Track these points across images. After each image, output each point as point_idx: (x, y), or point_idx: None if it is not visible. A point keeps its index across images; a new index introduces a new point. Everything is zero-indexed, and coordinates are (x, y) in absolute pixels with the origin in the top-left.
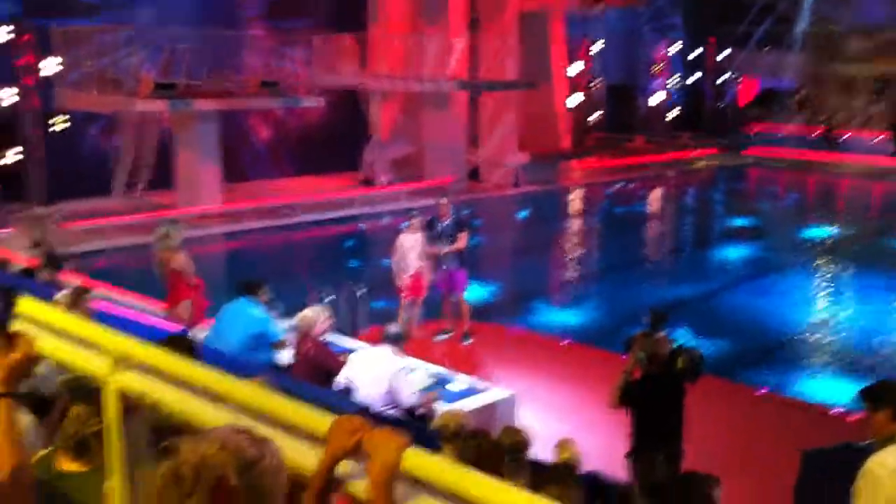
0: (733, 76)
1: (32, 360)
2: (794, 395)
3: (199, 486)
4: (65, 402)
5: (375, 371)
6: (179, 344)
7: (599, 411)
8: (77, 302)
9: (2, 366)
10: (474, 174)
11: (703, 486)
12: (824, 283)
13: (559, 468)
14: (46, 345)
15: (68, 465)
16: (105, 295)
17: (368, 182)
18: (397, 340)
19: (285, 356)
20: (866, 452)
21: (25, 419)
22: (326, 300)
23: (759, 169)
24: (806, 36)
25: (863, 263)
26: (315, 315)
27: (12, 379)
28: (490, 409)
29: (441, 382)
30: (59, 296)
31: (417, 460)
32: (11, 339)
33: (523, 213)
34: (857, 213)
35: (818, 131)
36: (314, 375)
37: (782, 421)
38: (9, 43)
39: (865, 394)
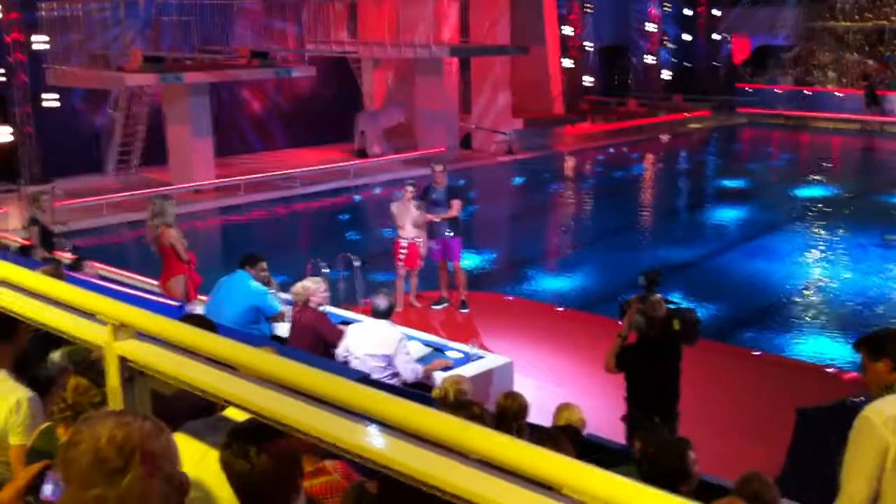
0: (725, 35)
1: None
2: (790, 356)
3: (129, 462)
4: (66, 374)
5: (372, 343)
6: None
7: (596, 376)
8: (58, 276)
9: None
10: (467, 141)
11: (676, 449)
12: (819, 243)
13: (556, 431)
14: (41, 314)
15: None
16: (100, 272)
17: (362, 152)
18: (387, 314)
19: (283, 329)
20: (861, 408)
21: (28, 394)
22: (323, 271)
23: (752, 128)
24: None
25: (857, 222)
26: (313, 285)
27: (27, 490)
28: (487, 375)
29: (438, 350)
30: (40, 269)
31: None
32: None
33: (517, 180)
34: (849, 171)
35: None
36: (313, 345)
37: (778, 381)
38: None
39: (864, 342)
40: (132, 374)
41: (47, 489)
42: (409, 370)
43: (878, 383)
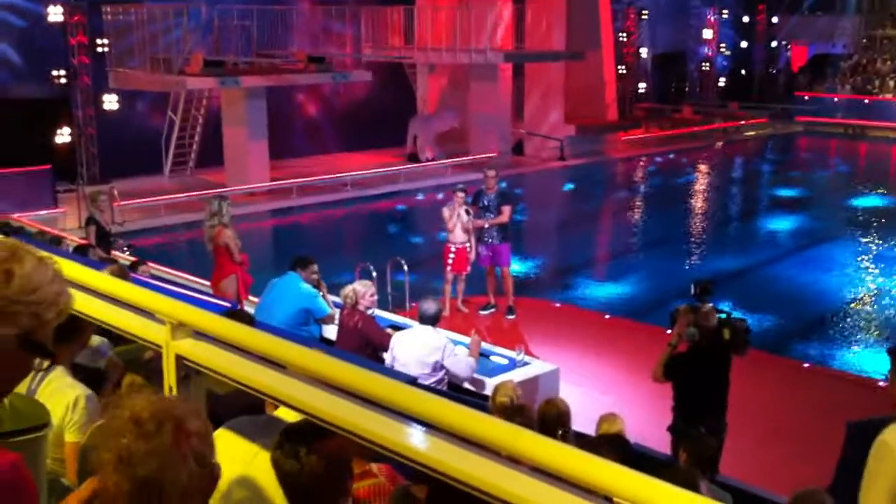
0: (783, 42)
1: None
2: (841, 368)
3: (162, 428)
4: (119, 372)
5: (418, 350)
6: (239, 318)
7: (643, 385)
8: (122, 276)
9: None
10: (519, 147)
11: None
12: (874, 254)
13: (599, 439)
14: (104, 313)
15: None
16: (155, 272)
17: (414, 157)
18: (434, 320)
19: (332, 331)
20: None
21: (86, 392)
22: (373, 275)
23: (809, 137)
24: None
25: None
26: (363, 289)
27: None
28: (533, 382)
29: (485, 356)
30: (106, 269)
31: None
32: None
33: (568, 187)
34: None
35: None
36: (361, 348)
37: (830, 394)
38: (61, 23)
39: (892, 351)
40: (188, 372)
41: None
42: (464, 367)
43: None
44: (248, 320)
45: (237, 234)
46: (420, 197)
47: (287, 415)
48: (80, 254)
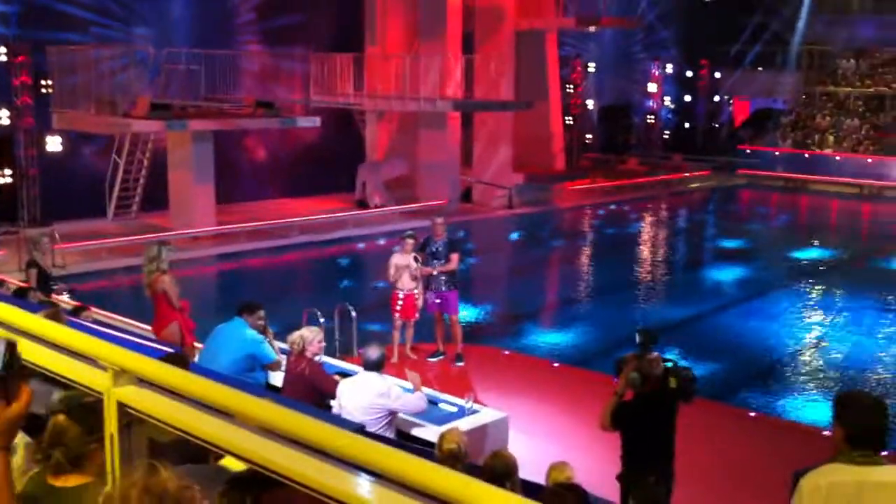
0: (726, 97)
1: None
2: (787, 417)
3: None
4: (58, 418)
5: (364, 398)
6: (176, 362)
7: (591, 433)
8: (57, 320)
9: (1, 418)
10: (467, 195)
11: None
12: (815, 305)
13: (561, 489)
14: (44, 358)
15: (61, 481)
16: (98, 317)
17: (362, 203)
18: (377, 365)
19: (278, 377)
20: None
21: (25, 439)
22: (320, 321)
23: (751, 190)
24: (799, 57)
25: (853, 284)
26: (310, 335)
27: (9, 432)
28: (482, 430)
29: (433, 403)
30: (41, 313)
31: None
32: (11, 393)
33: (516, 235)
34: (847, 234)
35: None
36: (308, 395)
37: (775, 442)
38: (4, 63)
39: (835, 401)
40: (130, 420)
41: None
42: (414, 402)
43: (833, 447)
44: (184, 364)
45: (175, 280)
46: (368, 243)
47: (233, 464)
48: (20, 297)
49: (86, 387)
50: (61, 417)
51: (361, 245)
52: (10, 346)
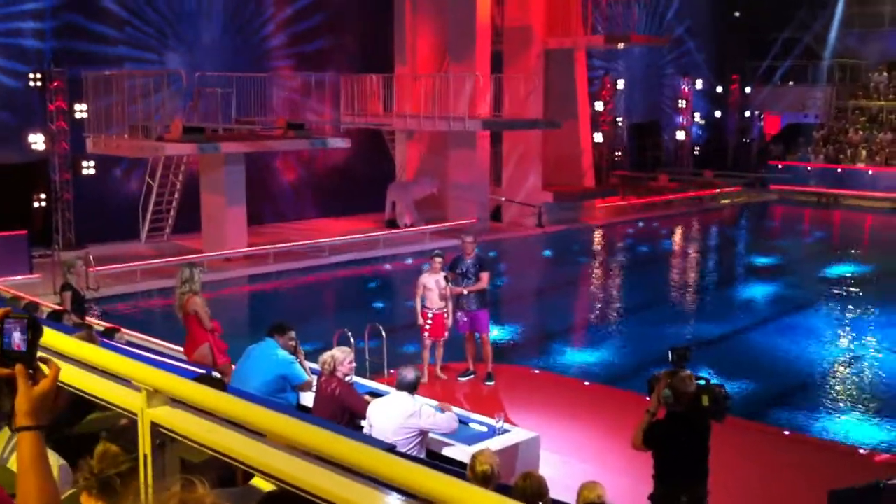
0: (756, 112)
1: (57, 391)
2: (822, 436)
3: None
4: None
5: (395, 418)
6: (208, 383)
7: (623, 452)
8: (91, 342)
9: (28, 397)
10: (497, 214)
11: None
12: (850, 321)
13: None
14: (79, 380)
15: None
16: (131, 338)
17: (392, 223)
18: (412, 387)
19: (310, 398)
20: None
21: (58, 461)
22: (351, 341)
23: (783, 205)
24: (830, 71)
25: (889, 300)
26: (341, 355)
27: (39, 411)
28: (513, 450)
29: (464, 423)
30: (75, 335)
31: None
32: (37, 371)
33: (546, 253)
34: (882, 249)
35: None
36: (339, 415)
37: (809, 461)
38: (39, 88)
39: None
40: (163, 440)
41: (17, 337)
42: (445, 422)
43: None
44: (219, 386)
45: (206, 301)
46: (398, 263)
47: (263, 484)
48: (55, 320)
49: (120, 407)
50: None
51: (392, 265)
52: (33, 324)
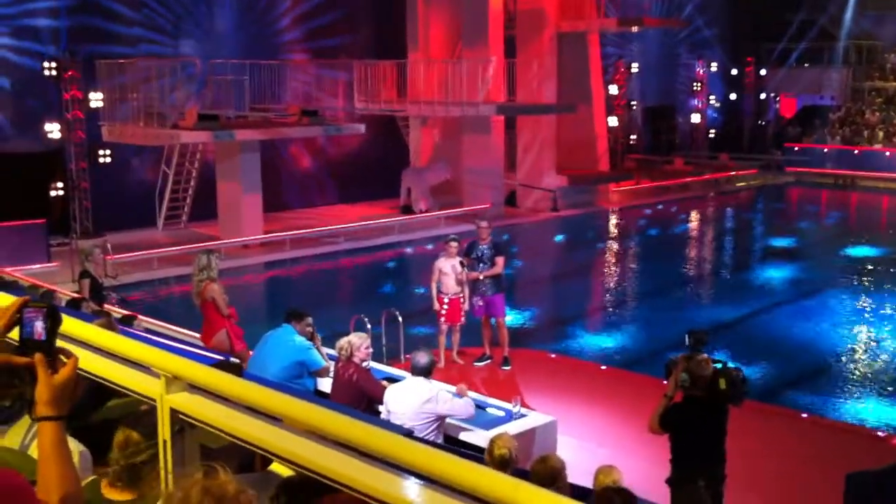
0: (772, 94)
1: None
2: (839, 418)
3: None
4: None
5: (412, 403)
6: (226, 369)
7: (639, 436)
8: (111, 329)
9: (48, 386)
10: (512, 199)
11: None
12: (868, 304)
13: (608, 492)
14: (99, 367)
15: (115, 494)
16: (149, 325)
17: (407, 209)
18: (426, 371)
19: (327, 384)
20: None
21: (79, 447)
22: (367, 327)
23: (800, 187)
24: (846, 52)
25: None
26: (358, 341)
27: (59, 400)
28: (530, 434)
29: (481, 408)
30: (94, 322)
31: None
32: (56, 360)
33: (561, 238)
34: None
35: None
36: (356, 401)
37: (828, 445)
38: (54, 77)
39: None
40: (182, 426)
41: (38, 326)
42: (462, 407)
43: None
44: (237, 372)
45: (223, 288)
46: (414, 248)
47: (282, 469)
48: (73, 307)
49: (139, 393)
50: (132, 432)
51: (407, 250)
52: (52, 313)
